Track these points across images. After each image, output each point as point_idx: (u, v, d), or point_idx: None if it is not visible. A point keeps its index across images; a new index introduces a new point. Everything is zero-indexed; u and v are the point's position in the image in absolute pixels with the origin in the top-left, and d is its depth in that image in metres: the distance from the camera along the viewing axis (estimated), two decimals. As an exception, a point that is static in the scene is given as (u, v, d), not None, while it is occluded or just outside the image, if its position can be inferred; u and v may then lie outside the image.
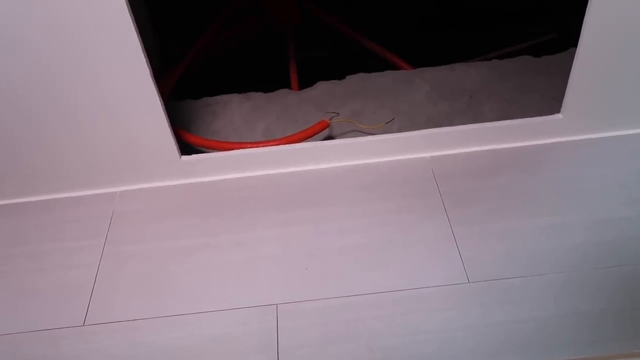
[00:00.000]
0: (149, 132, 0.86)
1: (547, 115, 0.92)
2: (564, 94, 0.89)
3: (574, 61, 0.84)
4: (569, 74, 0.87)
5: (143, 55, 0.77)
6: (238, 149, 0.92)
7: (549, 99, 0.99)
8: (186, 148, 0.93)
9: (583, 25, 0.80)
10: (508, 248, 0.79)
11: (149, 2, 1.12)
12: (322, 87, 1.09)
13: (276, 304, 0.75)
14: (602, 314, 0.71)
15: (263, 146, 0.92)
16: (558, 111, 0.91)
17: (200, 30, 1.24)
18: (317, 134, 0.94)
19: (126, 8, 0.72)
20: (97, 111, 0.83)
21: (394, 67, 1.17)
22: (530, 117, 0.92)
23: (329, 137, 0.97)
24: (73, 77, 0.78)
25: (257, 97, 1.08)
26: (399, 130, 0.95)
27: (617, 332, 0.70)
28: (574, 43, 0.84)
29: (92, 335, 0.74)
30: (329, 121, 0.95)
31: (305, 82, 1.13)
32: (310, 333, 0.72)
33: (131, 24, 0.74)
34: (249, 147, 0.92)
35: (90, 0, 0.71)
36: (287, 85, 1.14)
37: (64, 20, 0.73)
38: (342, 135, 0.98)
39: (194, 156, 0.91)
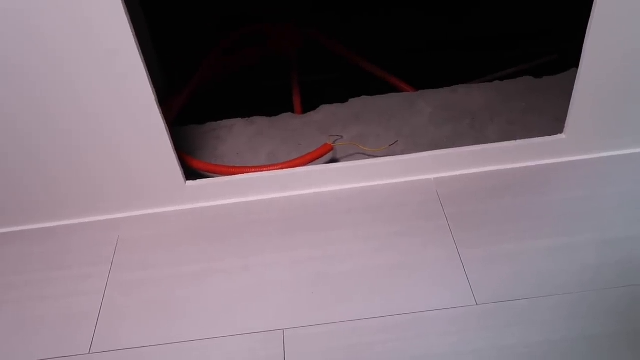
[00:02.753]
0: (154, 158, 0.86)
1: (550, 135, 0.92)
2: (567, 114, 0.89)
3: (576, 81, 0.85)
4: (570, 94, 0.87)
5: (148, 82, 0.78)
6: (243, 173, 0.92)
7: (551, 120, 0.99)
8: (191, 173, 0.93)
9: (584, 45, 0.80)
10: (516, 269, 0.79)
11: (151, 27, 1.13)
12: (325, 111, 1.09)
13: (283, 329, 0.75)
14: (614, 336, 0.71)
15: (267, 170, 0.92)
16: (561, 131, 0.92)
17: (203, 56, 1.25)
18: (321, 157, 0.95)
19: (132, 35, 0.73)
20: (101, 137, 0.83)
21: (395, 89, 1.18)
22: (532, 137, 0.92)
23: (333, 160, 0.97)
24: (78, 104, 0.79)
25: (261, 121, 1.08)
26: (403, 153, 0.95)
27: (632, 355, 0.69)
28: (575, 63, 0.84)
29: (98, 363, 0.74)
30: (332, 144, 0.95)
31: (309, 106, 1.14)
32: (318, 359, 0.71)
33: (137, 51, 0.75)
34: (254, 172, 0.92)
35: (95, 28, 0.72)
36: (290, 108, 1.15)
37: (67, 51, 0.74)
38: (346, 158, 0.98)
39: (199, 181, 0.91)
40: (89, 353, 0.75)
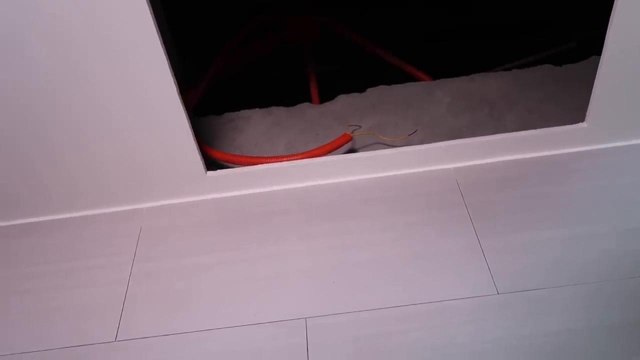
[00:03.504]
0: (176, 149, 0.87)
1: (570, 124, 0.92)
2: (588, 102, 0.89)
3: (599, 69, 0.84)
4: (590, 82, 0.86)
5: (169, 70, 0.78)
6: (262, 163, 0.92)
7: (570, 108, 0.99)
8: (210, 163, 0.94)
9: (607, 33, 0.80)
10: (536, 258, 0.79)
11: (170, 18, 1.13)
12: (343, 101, 1.09)
13: (305, 318, 0.76)
14: (633, 325, 0.71)
15: (287, 160, 0.92)
16: (581, 120, 0.91)
17: (220, 46, 1.26)
18: (340, 147, 0.95)
19: (154, 28, 0.74)
20: (124, 129, 0.84)
21: (413, 78, 1.17)
22: (552, 126, 0.92)
23: (352, 150, 0.98)
24: (99, 96, 0.80)
25: (279, 111, 1.08)
26: (422, 142, 0.95)
27: (651, 343, 0.69)
28: (595, 51, 0.83)
29: (124, 350, 0.75)
30: (351, 134, 0.95)
31: (326, 96, 1.14)
32: (340, 347, 0.72)
33: (159, 43, 0.75)
34: (274, 162, 0.92)
35: (117, 22, 0.73)
36: (307, 98, 1.15)
37: (89, 45, 0.75)
38: (365, 148, 0.98)
39: (219, 171, 0.92)
40: (115, 341, 0.76)
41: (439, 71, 1.16)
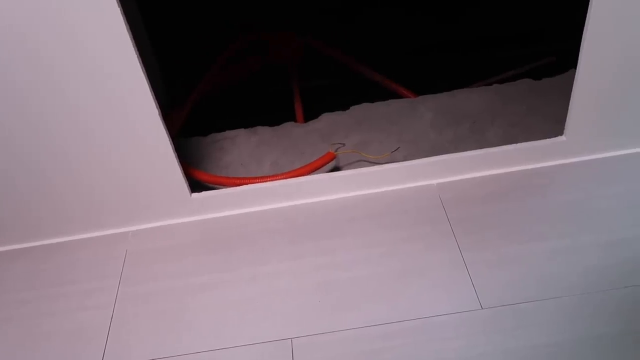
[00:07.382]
0: (159, 171, 0.88)
1: (550, 137, 0.93)
2: (566, 116, 0.90)
3: (574, 83, 0.86)
4: (570, 95, 0.88)
5: (151, 96, 0.79)
6: (247, 184, 0.93)
7: (551, 121, 1.00)
8: (196, 185, 0.94)
9: (581, 46, 0.81)
10: (520, 272, 0.79)
11: (153, 40, 1.15)
12: (326, 119, 1.10)
13: (291, 338, 0.76)
14: (620, 336, 0.71)
15: (272, 180, 0.93)
16: (561, 133, 0.92)
17: (205, 67, 1.27)
18: (324, 165, 0.95)
19: (136, 57, 0.74)
20: (107, 154, 0.84)
21: (396, 95, 1.18)
22: (534, 140, 0.93)
23: (336, 168, 0.98)
24: (82, 122, 0.80)
25: (264, 131, 1.09)
26: (405, 159, 0.96)
27: (637, 355, 0.69)
28: (573, 64, 0.85)
29: (110, 377, 0.75)
30: (335, 153, 0.96)
31: (310, 112, 1.14)
32: (326, 366, 0.72)
33: (139, 66, 0.76)
34: (258, 182, 0.93)
35: (98, 42, 0.73)
36: (291, 113, 1.16)
37: (70, 73, 0.75)
38: (349, 165, 0.99)
39: (204, 193, 0.93)
40: (101, 367, 0.76)
41: (419, 85, 1.18)
